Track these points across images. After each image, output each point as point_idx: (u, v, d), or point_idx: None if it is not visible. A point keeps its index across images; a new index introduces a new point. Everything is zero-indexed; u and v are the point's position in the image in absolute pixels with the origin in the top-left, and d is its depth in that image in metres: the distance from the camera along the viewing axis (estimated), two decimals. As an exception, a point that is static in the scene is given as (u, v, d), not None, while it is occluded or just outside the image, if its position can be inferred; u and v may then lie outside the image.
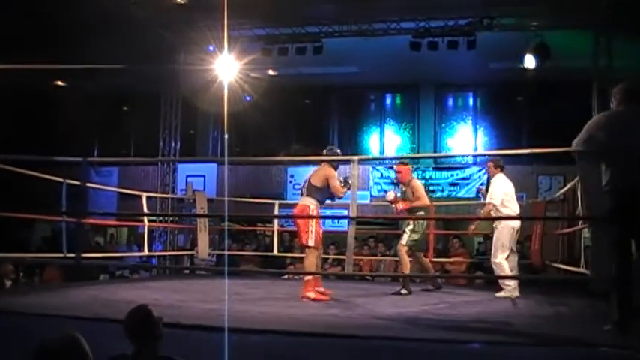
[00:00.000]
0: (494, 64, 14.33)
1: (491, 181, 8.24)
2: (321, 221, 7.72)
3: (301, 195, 7.75)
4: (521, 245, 12.00)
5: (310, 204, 7.54)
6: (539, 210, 10.61)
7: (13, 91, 15.47)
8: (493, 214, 8.02)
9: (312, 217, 7.44)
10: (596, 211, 5.04)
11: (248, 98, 14.50)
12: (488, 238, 12.93)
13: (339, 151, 8.32)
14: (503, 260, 7.81)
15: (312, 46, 12.98)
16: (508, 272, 7.75)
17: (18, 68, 11.95)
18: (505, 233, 7.91)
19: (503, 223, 7.90)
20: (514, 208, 8.06)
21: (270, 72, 14.83)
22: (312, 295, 7.17)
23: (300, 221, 7.55)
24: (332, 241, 12.25)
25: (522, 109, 16.19)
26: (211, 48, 12.73)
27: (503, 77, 14.87)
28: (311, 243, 7.41)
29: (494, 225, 8.23)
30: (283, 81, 15.44)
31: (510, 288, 7.78)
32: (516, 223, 8.04)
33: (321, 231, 7.62)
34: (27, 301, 6.39)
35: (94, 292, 7.42)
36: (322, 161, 7.89)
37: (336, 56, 13.55)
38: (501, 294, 7.81)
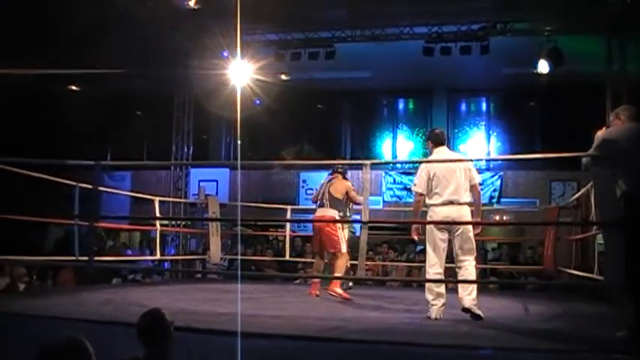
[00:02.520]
0: (507, 69, 14.30)
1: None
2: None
3: (322, 206, 8.20)
4: (534, 251, 11.98)
5: (335, 215, 8.09)
6: (552, 215, 10.55)
7: (27, 95, 15.58)
8: None
9: (326, 222, 7.72)
10: (611, 216, 5.02)
11: (258, 102, 14.51)
12: (504, 244, 12.94)
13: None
14: (433, 271, 6.31)
15: (325, 51, 12.97)
16: (434, 290, 6.19)
17: (32, 73, 12.09)
18: (429, 236, 6.41)
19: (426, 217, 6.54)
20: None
21: (283, 77, 14.84)
22: (339, 290, 7.82)
23: (331, 231, 7.98)
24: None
25: (535, 114, 16.14)
26: (225, 54, 12.76)
27: (516, 82, 14.84)
28: (344, 249, 8.01)
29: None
30: (296, 86, 15.44)
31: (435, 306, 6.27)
32: (437, 217, 6.38)
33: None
34: (40, 304, 6.41)
35: (106, 295, 7.44)
36: (335, 171, 8.44)
37: (348, 61, 13.56)
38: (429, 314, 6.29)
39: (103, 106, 16.92)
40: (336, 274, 7.92)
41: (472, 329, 5.48)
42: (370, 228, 7.18)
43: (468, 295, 6.03)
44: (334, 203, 8.12)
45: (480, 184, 14.80)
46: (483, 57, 12.51)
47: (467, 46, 12.42)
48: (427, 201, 6.34)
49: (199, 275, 12.39)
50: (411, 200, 15.21)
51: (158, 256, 11.19)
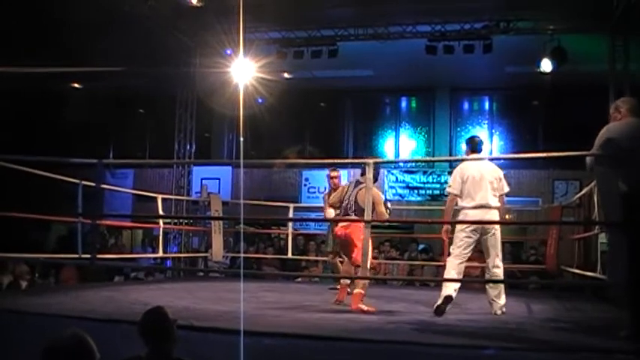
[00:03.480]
0: (511, 68, 14.28)
1: None
2: None
3: (346, 215, 7.17)
4: (536, 250, 11.97)
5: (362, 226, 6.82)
6: (555, 215, 10.54)
7: (30, 93, 15.61)
8: None
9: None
10: (614, 216, 5.00)
11: (260, 101, 14.51)
12: (506, 243, 12.91)
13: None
14: (451, 267, 6.64)
15: (328, 49, 12.97)
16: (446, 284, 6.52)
17: (35, 71, 12.10)
18: (458, 235, 6.70)
19: (460, 217, 6.86)
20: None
21: (286, 75, 14.84)
22: (364, 306, 6.70)
23: (349, 238, 7.07)
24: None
25: (538, 113, 16.10)
26: (228, 51, 12.75)
27: (519, 81, 14.81)
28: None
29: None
30: (298, 84, 15.45)
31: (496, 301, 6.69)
32: (470, 218, 6.70)
33: None
34: (42, 302, 6.42)
35: (108, 293, 7.44)
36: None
37: (351, 59, 13.56)
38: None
39: (105, 104, 16.92)
40: (357, 290, 6.81)
41: (475, 329, 5.47)
42: (372, 227, 7.10)
43: (497, 298, 6.51)
44: (359, 212, 6.88)
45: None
46: (486, 56, 12.50)
47: (470, 44, 12.41)
48: (459, 203, 6.69)
49: (201, 273, 12.41)
50: (413, 199, 15.38)
51: (160, 254, 11.20)
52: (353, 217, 7.00)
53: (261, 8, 10.79)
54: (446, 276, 6.61)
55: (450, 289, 6.39)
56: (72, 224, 12.16)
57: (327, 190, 8.91)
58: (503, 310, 6.54)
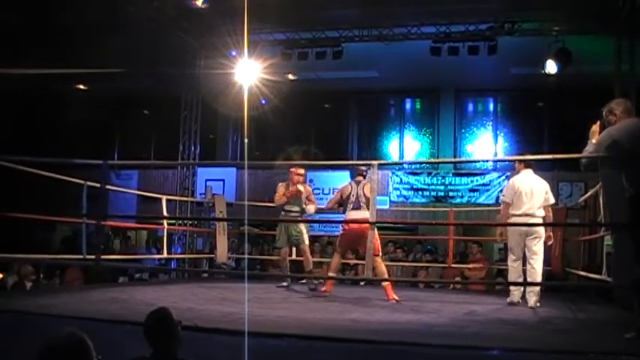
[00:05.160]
0: (515, 69, 14.28)
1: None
2: None
3: (358, 208, 7.96)
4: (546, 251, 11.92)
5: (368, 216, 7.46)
6: (559, 216, 10.52)
7: (35, 94, 15.65)
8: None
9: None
10: (619, 217, 4.99)
11: (264, 102, 14.52)
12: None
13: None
14: (511, 264, 7.71)
15: (332, 51, 12.98)
16: (513, 277, 7.69)
17: (40, 72, 12.13)
18: (510, 237, 7.78)
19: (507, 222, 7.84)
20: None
21: (290, 76, 14.85)
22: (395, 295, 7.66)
23: (373, 233, 7.36)
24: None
25: (543, 114, 16.10)
26: (233, 53, 12.76)
27: (524, 82, 14.80)
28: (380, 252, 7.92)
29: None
30: (303, 85, 15.45)
31: (515, 293, 7.75)
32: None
33: None
34: (46, 302, 6.42)
35: (113, 294, 7.44)
36: (360, 174, 8.20)
37: (355, 61, 13.57)
38: (508, 300, 7.78)
39: (110, 105, 16.97)
40: (382, 278, 7.86)
41: (480, 330, 5.47)
42: (377, 228, 7.16)
43: (533, 294, 7.43)
44: (366, 204, 7.83)
45: (487, 185, 14.91)
46: (491, 57, 12.51)
47: (474, 46, 12.41)
48: (510, 210, 7.67)
49: (206, 274, 12.40)
50: (417, 200, 15.37)
51: (165, 255, 11.20)
52: (365, 209, 7.75)
53: (265, 9, 10.80)
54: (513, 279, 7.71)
55: (517, 295, 7.65)
56: (76, 225, 12.19)
57: (286, 183, 9.26)
58: (537, 304, 7.37)
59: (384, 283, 7.88)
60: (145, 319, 3.55)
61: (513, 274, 7.66)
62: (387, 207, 14.86)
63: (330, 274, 8.34)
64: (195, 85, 14.19)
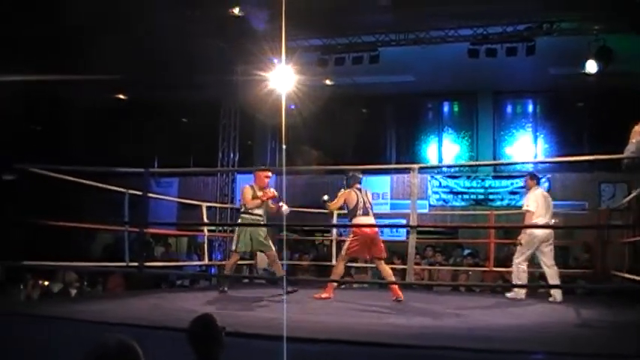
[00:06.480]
0: (554, 70, 14.10)
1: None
2: None
3: (367, 214, 8.25)
4: (584, 254, 11.77)
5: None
6: (601, 218, 10.36)
7: (76, 104, 15.90)
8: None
9: (379, 226, 7.82)
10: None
11: (292, 107, 14.55)
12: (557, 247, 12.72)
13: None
14: (519, 263, 8.57)
15: (369, 55, 12.98)
16: (519, 276, 8.52)
17: (82, 81, 12.32)
18: (526, 239, 8.54)
19: (528, 230, 8.53)
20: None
21: (327, 82, 14.87)
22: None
23: (377, 236, 8.25)
24: (391, 251, 12.22)
25: (583, 114, 15.87)
26: (274, 60, 12.80)
27: (563, 83, 14.58)
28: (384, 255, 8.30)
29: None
30: (340, 91, 15.46)
31: (517, 290, 8.73)
32: (539, 233, 8.48)
33: None
34: (91, 308, 6.52)
35: (155, 301, 7.53)
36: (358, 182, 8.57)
37: (392, 65, 13.54)
38: (510, 295, 8.78)
39: (149, 114, 17.15)
40: (390, 279, 8.28)
41: (523, 334, 5.42)
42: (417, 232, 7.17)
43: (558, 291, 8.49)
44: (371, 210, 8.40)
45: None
46: (529, 58, 12.38)
47: (512, 47, 12.30)
48: (534, 219, 8.50)
49: (246, 280, 12.46)
50: (457, 204, 15.25)
51: (206, 262, 11.29)
52: (372, 215, 8.31)
53: (302, 16, 10.83)
54: (520, 280, 8.52)
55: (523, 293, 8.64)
56: (117, 233, 12.35)
57: (251, 185, 9.08)
58: (560, 299, 8.31)
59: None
60: (190, 325, 3.56)
61: (522, 274, 8.55)
62: (426, 211, 14.79)
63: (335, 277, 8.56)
64: (233, 92, 14.29)
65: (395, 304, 7.69)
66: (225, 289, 9.05)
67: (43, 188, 8.23)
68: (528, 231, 8.50)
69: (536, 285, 9.22)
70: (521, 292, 8.68)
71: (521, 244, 8.65)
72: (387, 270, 8.21)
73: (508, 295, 8.83)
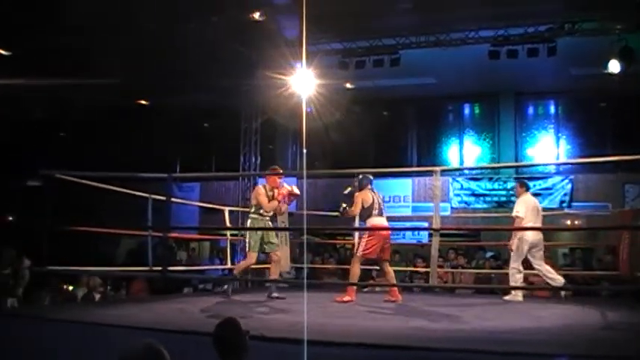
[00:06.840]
0: (576, 70, 13.99)
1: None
2: None
3: (381, 215, 8.52)
4: (608, 256, 11.66)
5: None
6: (625, 219, 10.27)
7: (98, 110, 16.05)
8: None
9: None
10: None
11: (309, 110, 14.56)
12: (576, 249, 12.63)
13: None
14: (515, 267, 9.01)
15: (390, 58, 12.96)
16: (514, 280, 8.97)
17: (105, 86, 12.42)
18: (516, 244, 9.00)
19: (520, 234, 8.95)
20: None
21: (348, 85, 14.88)
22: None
23: (390, 238, 8.64)
24: (414, 253, 12.24)
25: (606, 115, 15.75)
26: (297, 64, 12.82)
27: (585, 83, 14.45)
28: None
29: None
30: (361, 94, 15.47)
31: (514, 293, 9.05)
32: (529, 237, 8.94)
33: None
34: (116, 313, 6.58)
35: (178, 305, 7.57)
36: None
37: (413, 67, 13.52)
38: (508, 297, 9.01)
39: (171, 119, 17.25)
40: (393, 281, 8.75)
41: (547, 337, 5.39)
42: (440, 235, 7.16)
43: (551, 280, 8.90)
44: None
45: (550, 189, 14.65)
46: (551, 59, 12.30)
47: (534, 48, 12.22)
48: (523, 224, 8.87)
49: (269, 284, 12.48)
50: (479, 206, 15.20)
51: (229, 266, 11.33)
52: (384, 216, 8.55)
53: (322, 20, 10.85)
54: (517, 283, 8.93)
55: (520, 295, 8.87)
56: (141, 237, 12.43)
57: (263, 185, 8.93)
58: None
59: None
60: (215, 329, 3.59)
61: (516, 275, 8.98)
62: (448, 213, 14.74)
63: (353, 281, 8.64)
64: (254, 96, 14.34)
65: (412, 307, 7.71)
66: (229, 292, 9.01)
67: (66, 194, 8.30)
68: (518, 235, 8.94)
69: (557, 287, 9.08)
70: (518, 295, 8.94)
71: (512, 249, 9.05)
72: (391, 272, 8.60)
73: (505, 297, 9.05)
